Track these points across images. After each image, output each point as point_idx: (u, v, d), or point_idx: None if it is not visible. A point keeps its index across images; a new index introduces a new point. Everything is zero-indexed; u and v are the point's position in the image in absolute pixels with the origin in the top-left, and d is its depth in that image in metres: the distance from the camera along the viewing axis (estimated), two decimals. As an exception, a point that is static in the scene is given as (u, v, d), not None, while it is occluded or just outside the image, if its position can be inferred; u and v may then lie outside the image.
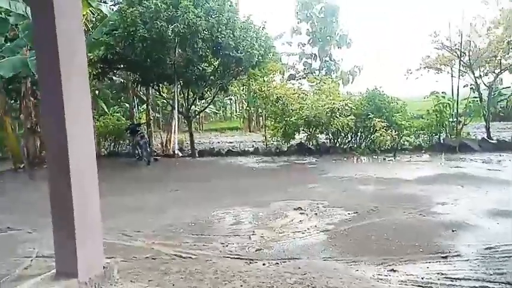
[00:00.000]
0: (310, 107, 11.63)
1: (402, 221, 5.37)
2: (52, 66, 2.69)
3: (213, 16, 10.91)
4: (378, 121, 11.30)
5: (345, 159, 10.87)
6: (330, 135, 12.14)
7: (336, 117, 11.41)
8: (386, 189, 7.28)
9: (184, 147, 13.78)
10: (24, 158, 11.42)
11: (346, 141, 12.23)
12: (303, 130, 12.27)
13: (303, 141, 12.28)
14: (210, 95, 15.32)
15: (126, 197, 7.21)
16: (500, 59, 12.16)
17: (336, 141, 12.15)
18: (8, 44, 11.77)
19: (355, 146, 11.94)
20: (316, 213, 5.77)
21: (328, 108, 11.43)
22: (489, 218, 5.28)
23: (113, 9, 13.33)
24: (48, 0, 2.63)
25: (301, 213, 5.83)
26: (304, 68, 25.22)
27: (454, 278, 3.66)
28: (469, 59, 12.00)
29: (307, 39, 25.69)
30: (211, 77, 12.52)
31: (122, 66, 12.37)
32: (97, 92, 15.17)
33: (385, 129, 11.27)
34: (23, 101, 12.47)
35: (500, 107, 17.01)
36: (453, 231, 4.87)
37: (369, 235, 4.92)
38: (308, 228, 5.11)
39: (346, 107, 11.64)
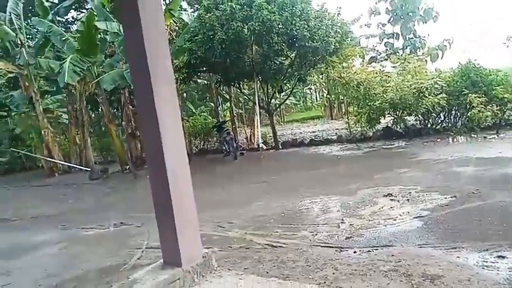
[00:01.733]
0: (395, 89, 11.01)
1: (508, 203, 4.85)
2: (143, 75, 3.01)
3: (286, 10, 10.93)
4: (475, 96, 10.24)
5: (439, 140, 10.08)
6: (420, 116, 11.35)
7: (425, 96, 10.62)
8: (489, 169, 6.62)
9: (267, 140, 14.10)
10: (128, 160, 12.80)
11: (439, 121, 11.32)
12: (389, 114, 11.66)
13: (389, 125, 11.69)
14: (289, 87, 15.41)
15: (218, 191, 7.67)
16: None
17: (426, 122, 11.33)
18: (108, 59, 13.28)
19: (450, 125, 11.00)
20: (408, 199, 5.51)
21: (415, 88, 10.70)
22: None
23: (193, 16, 14.16)
24: (136, 17, 2.94)
25: (391, 199, 5.62)
26: (386, 49, 23.80)
27: None
28: None
29: (387, 18, 24.17)
30: (289, 70, 12.59)
31: (204, 69, 13.08)
32: (184, 94, 16.27)
33: (485, 105, 10.18)
34: (123, 109, 13.99)
35: None
36: None
37: (470, 220, 4.55)
38: (400, 215, 4.91)
39: (436, 85, 10.77)
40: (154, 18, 3.06)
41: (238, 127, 15.95)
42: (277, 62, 12.14)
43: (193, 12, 15.33)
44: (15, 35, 13.67)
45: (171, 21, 12.77)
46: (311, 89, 20.99)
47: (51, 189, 11.61)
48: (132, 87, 11.69)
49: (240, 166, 11.17)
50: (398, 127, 11.41)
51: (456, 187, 5.75)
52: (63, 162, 14.37)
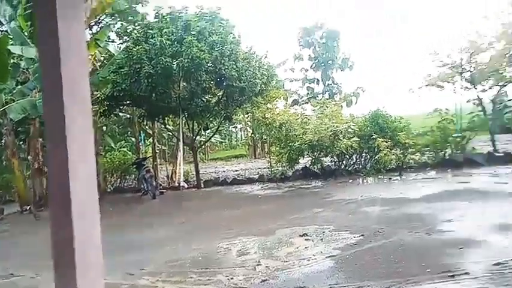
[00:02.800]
0: (314, 131, 11.70)
1: (408, 241, 5.32)
2: (56, 102, 2.82)
3: (216, 49, 11.24)
4: (382, 141, 11.32)
5: (351, 181, 10.84)
6: (335, 157, 12.15)
7: (340, 139, 11.46)
8: (392, 209, 7.23)
9: (190, 178, 13.84)
10: (30, 199, 11.51)
11: (351, 162, 12.22)
12: (307, 154, 12.30)
13: (307, 166, 12.30)
14: (214, 124, 15.53)
15: (130, 233, 7.24)
16: (502, 73, 12.19)
17: (340, 163, 12.15)
18: (19, 87, 12.23)
19: (360, 167, 11.92)
20: (321, 239, 5.75)
21: (331, 131, 11.50)
22: (497, 233, 5.21)
23: (120, 48, 13.83)
24: (55, 43, 2.80)
25: (306, 239, 5.81)
26: (308, 93, 25.42)
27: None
28: (471, 75, 12.07)
29: (310, 64, 26.09)
30: (215, 108, 12.75)
31: (128, 102, 12.68)
32: (104, 128, 15.50)
33: (390, 149, 11.27)
34: (30, 141, 12.77)
35: (506, 119, 16.91)
36: (460, 248, 4.81)
37: (376, 258, 4.88)
38: (314, 255, 5.08)
39: (349, 129, 11.70)
40: (76, 46, 2.93)
41: (160, 164, 15.48)
42: (204, 100, 12.24)
43: (122, 44, 15.01)
44: None
45: (96, 51, 12.33)
46: (236, 127, 21.44)
47: None
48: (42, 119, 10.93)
49: (158, 206, 10.71)
50: (316, 167, 12.04)
51: (364, 226, 6.16)
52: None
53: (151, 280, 4.66)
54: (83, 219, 2.87)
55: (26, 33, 11.47)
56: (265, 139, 13.85)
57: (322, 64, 25.53)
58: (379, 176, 10.72)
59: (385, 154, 11.10)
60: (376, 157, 11.50)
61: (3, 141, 13.63)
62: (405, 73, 27.24)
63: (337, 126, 11.63)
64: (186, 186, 12.45)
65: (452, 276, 4.04)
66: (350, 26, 40.74)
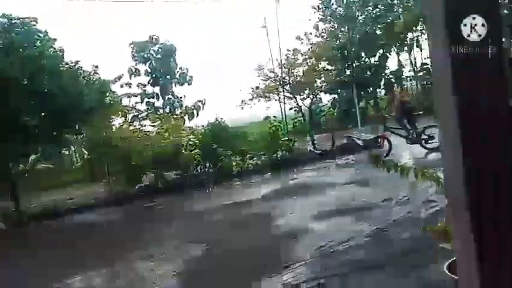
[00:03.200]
0: (154, 147, 11.41)
1: (251, 242, 5.62)
2: None
3: (32, 64, 9.80)
4: (223, 150, 11.84)
5: (197, 191, 10.94)
6: (179, 171, 12.08)
7: (182, 152, 11.47)
8: (235, 213, 7.57)
9: (7, 217, 11.45)
10: None
11: (196, 174, 12.34)
12: (150, 171, 11.91)
13: (150, 183, 11.87)
14: (39, 149, 13.48)
15: None
16: (314, 84, 14.34)
17: (186, 176, 12.14)
18: None
19: (205, 177, 12.15)
20: (167, 257, 5.56)
21: (172, 145, 11.42)
22: (320, 220, 5.99)
23: None
24: None
25: (151, 261, 5.52)
26: (148, 108, 24.80)
27: (295, 285, 3.98)
28: (290, 87, 13.76)
29: (147, 79, 25.53)
30: (36, 130, 11.10)
31: None
32: None
33: (230, 157, 11.87)
34: None
35: (322, 121, 19.98)
36: (293, 239, 5.34)
37: (222, 265, 4.99)
38: (160, 276, 4.87)
39: (191, 142, 11.84)
40: None
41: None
42: (21, 121, 10.51)
43: None
44: None
45: None
46: (69, 149, 19.20)
47: None
48: None
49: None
50: (160, 183, 11.74)
51: (210, 235, 6.26)
52: None
53: None
54: None
55: None
56: (103, 159, 12.73)
57: (160, 79, 25.32)
58: (223, 183, 11.14)
59: (226, 162, 11.63)
60: (219, 166, 11.95)
61: None
62: (238, 86, 29.40)
63: (178, 140, 11.62)
64: (3, 227, 10.31)
65: (287, 266, 4.44)
66: (185, 40, 41.58)
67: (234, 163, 11.76)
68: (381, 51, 22.13)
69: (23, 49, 9.97)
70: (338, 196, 7.21)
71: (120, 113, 17.27)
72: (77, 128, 12.76)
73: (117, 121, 14.93)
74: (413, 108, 10.82)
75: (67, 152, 19.44)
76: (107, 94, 13.69)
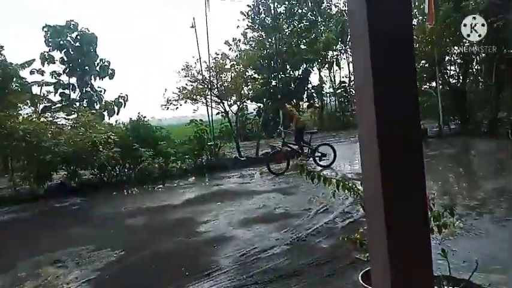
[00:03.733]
0: (68, 142, 10.51)
1: (170, 248, 5.47)
2: None
3: None
4: (144, 151, 11.35)
5: (114, 193, 10.32)
6: (96, 170, 11.29)
7: (99, 150, 10.73)
8: (155, 218, 7.32)
9: None
10: None
11: (114, 174, 11.65)
12: (62, 168, 10.94)
13: (63, 181, 10.91)
14: None
15: None
16: (241, 91, 14.46)
17: (102, 176, 11.38)
18: None
19: (125, 178, 11.53)
20: (78, 263, 5.14)
21: (88, 141, 10.63)
22: (242, 227, 6.04)
23: None
24: None
25: (59, 266, 5.07)
26: (62, 99, 22.83)
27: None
28: (218, 91, 13.68)
29: (63, 68, 23.50)
30: None
31: None
32: None
33: (152, 158, 11.43)
34: None
35: (248, 129, 20.29)
36: (214, 246, 5.30)
37: (138, 271, 4.78)
38: (68, 283, 4.48)
39: (110, 139, 11.13)
40: None
41: None
42: None
43: None
44: None
45: None
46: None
47: None
48: None
49: None
50: (73, 182, 10.85)
51: (127, 240, 5.95)
52: None
53: None
54: None
55: None
56: (6, 152, 11.35)
57: (78, 69, 23.50)
58: (144, 186, 10.67)
59: (148, 163, 11.17)
60: (140, 167, 11.42)
61: None
62: (164, 84, 28.54)
63: (95, 137, 10.85)
64: None
65: (208, 274, 4.39)
66: (108, 31, 39.41)
67: (156, 165, 11.34)
68: (304, 65, 23.31)
69: None
70: (261, 204, 7.35)
71: (28, 101, 15.70)
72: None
73: (25, 111, 13.56)
74: (305, 125, 11.29)
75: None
76: (14, 79, 12.36)
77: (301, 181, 7.99)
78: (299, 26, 23.04)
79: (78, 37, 23.71)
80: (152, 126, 12.83)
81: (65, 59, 23.43)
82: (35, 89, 20.87)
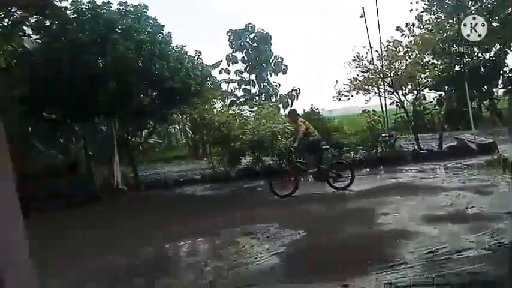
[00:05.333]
0: (252, 132, 11.81)
1: (350, 235, 5.55)
2: None
3: (145, 49, 10.76)
4: (318, 141, 11.80)
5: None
6: (275, 157, 12.36)
7: (278, 139, 11.69)
8: (332, 205, 7.51)
9: (128, 180, 13.14)
10: None
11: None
12: (248, 154, 12.37)
13: (249, 165, 12.36)
14: (152, 125, 14.93)
15: (62, 239, 6.65)
16: (418, 79, 13.30)
17: (281, 162, 12.38)
18: None
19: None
20: (267, 237, 5.77)
21: (269, 131, 11.68)
22: (427, 224, 5.62)
23: (36, 43, 12.62)
24: None
25: (252, 237, 5.80)
26: (244, 94, 25.68)
27: (401, 286, 3.82)
28: (391, 80, 12.98)
29: (244, 66, 26.35)
30: (149, 108, 12.25)
31: (50, 102, 11.60)
32: (29, 129, 14.09)
33: (326, 148, 11.75)
34: None
35: (427, 120, 18.57)
36: (397, 239, 5.11)
37: (320, 253, 5.01)
38: (260, 253, 5.08)
39: (286, 129, 11.98)
40: None
41: (94, 167, 14.46)
42: (136, 100, 11.69)
43: (39, 39, 13.73)
44: None
45: (9, 46, 11.13)
46: (175, 128, 20.88)
47: None
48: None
49: (94, 209, 9.99)
50: (257, 167, 12.16)
51: (308, 222, 6.32)
52: None
53: None
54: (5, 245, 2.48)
55: None
56: (206, 139, 13.61)
57: (256, 67, 26.00)
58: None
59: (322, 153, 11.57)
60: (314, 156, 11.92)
61: None
62: (334, 76, 28.66)
63: (274, 127, 11.83)
64: (125, 188, 11.82)
65: (392, 266, 4.27)
66: (281, 29, 41.95)
67: (329, 155, 11.61)
68: (498, 45, 19.70)
69: (137, 34, 10.92)
70: (449, 201, 6.67)
71: (219, 97, 18.11)
72: (182, 109, 13.76)
73: (218, 105, 15.83)
74: (318, 141, 9.26)
75: (173, 131, 21.30)
76: (208, 79, 14.41)
77: (500, 179, 6.91)
78: (487, 2, 19.58)
79: (255, 38, 26.09)
80: (324, 117, 13.16)
81: (245, 58, 26.17)
82: (224, 86, 24.16)
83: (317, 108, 13.36)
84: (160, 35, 11.67)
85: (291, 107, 24.45)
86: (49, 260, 4.74)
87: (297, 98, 24.89)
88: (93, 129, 14.13)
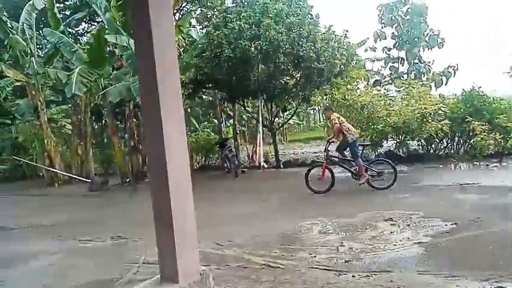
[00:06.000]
0: (398, 113, 11.07)
1: (509, 233, 4.81)
2: (151, 87, 3.05)
3: (293, 30, 11.15)
4: (478, 124, 10.29)
5: (441, 166, 10.05)
6: (423, 141, 11.37)
7: (428, 122, 10.67)
8: (490, 198, 6.59)
9: (269, 158, 14.10)
10: (129, 173, 12.78)
11: (441, 147, 11.31)
12: (392, 137, 11.69)
13: (392, 149, 11.70)
14: (293, 106, 15.49)
15: (217, 208, 7.63)
16: None
17: (429, 147, 11.33)
18: (115, 72, 13.44)
19: (452, 152, 10.98)
20: (408, 225, 5.47)
21: (418, 113, 10.76)
22: None
23: (200, 33, 14.41)
24: (149, 33, 3.01)
25: (392, 224, 5.58)
26: (391, 73, 24.02)
27: None
28: None
29: (393, 43, 24.50)
30: (294, 89, 12.72)
31: (210, 85, 13.20)
32: (189, 110, 16.36)
33: (487, 133, 10.21)
34: (126, 122, 14.05)
35: None
36: None
37: (471, 248, 4.52)
38: (400, 240, 4.87)
39: (440, 111, 10.82)
40: (166, 33, 3.12)
41: (241, 145, 15.97)
42: (282, 82, 12.30)
43: (202, 29, 15.60)
44: (25, 44, 13.89)
45: (180, 37, 12.97)
46: (315, 109, 21.09)
47: (49, 199, 11.56)
48: (136, 101, 11.92)
49: (241, 184, 11.13)
50: (401, 151, 11.41)
51: (458, 214, 5.72)
52: (63, 173, 14.30)
53: (238, 251, 4.88)
54: (178, 189, 3.07)
55: (118, 23, 12.46)
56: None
57: (407, 42, 23.79)
58: (475, 162, 9.79)
59: (481, 138, 10.10)
60: (471, 141, 10.51)
61: (103, 121, 15.17)
62: (500, 53, 24.18)
63: (425, 108, 10.83)
64: (266, 166, 12.75)
65: None
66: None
67: (491, 141, 10.07)
68: None
69: (287, 17, 11.32)
70: None
71: (363, 77, 17.45)
72: (322, 89, 13.77)
73: (361, 85, 15.28)
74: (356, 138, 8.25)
75: (312, 112, 21.58)
76: (353, 58, 13.96)
77: None
78: None
79: (409, 10, 23.84)
80: (489, 97, 11.37)
81: (395, 34, 24.26)
82: (368, 65, 23.03)
83: (480, 87, 11.59)
84: (309, 16, 11.90)
85: (445, 85, 21.91)
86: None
87: (454, 75, 22.02)
88: (241, 110, 15.48)
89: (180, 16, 15.03)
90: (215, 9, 14.61)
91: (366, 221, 5.82)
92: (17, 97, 16.09)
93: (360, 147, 8.36)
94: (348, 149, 8.24)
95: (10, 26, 14.18)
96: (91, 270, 4.76)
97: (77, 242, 6.12)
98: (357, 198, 7.60)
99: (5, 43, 14.27)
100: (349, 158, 8.30)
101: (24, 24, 14.12)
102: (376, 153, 11.66)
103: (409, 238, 4.91)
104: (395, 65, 24.54)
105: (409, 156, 11.08)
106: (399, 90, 13.28)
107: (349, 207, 6.72)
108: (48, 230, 7.22)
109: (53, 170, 14.17)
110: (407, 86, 12.91)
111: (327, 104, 14.65)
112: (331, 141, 8.33)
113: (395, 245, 4.72)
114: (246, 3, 12.07)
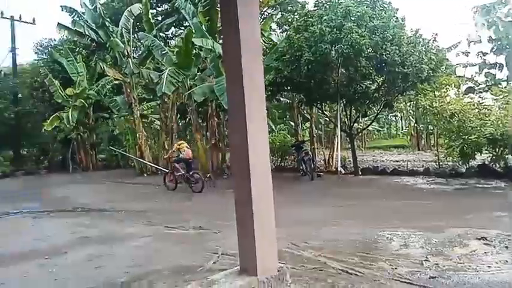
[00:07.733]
0: (496, 124, 10.03)
1: None
2: (237, 88, 3.16)
3: (377, 34, 10.72)
4: None
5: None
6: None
7: (532, 134, 9.52)
8: None
9: (346, 164, 13.72)
10: (209, 169, 13.38)
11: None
12: (487, 150, 10.62)
13: (486, 163, 10.62)
14: (374, 112, 14.89)
15: (293, 209, 7.60)
16: None
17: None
18: (200, 73, 14.22)
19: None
20: (507, 246, 4.90)
21: (519, 124, 9.66)
22: None
23: (280, 37, 14.59)
24: (237, 39, 3.12)
25: (485, 243, 5.05)
26: (487, 80, 21.87)
27: None
28: None
29: (490, 47, 22.33)
30: (375, 94, 12.24)
31: (288, 88, 13.26)
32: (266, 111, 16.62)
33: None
34: (208, 121, 14.74)
35: None
36: None
37: None
38: (496, 262, 4.38)
39: (547, 123, 9.59)
40: (252, 36, 3.21)
41: (317, 148, 15.77)
42: (363, 86, 11.91)
43: (282, 32, 15.77)
44: (123, 46, 15.32)
45: (261, 40, 13.25)
46: (397, 116, 20.01)
47: (141, 187, 12.58)
48: (218, 101, 12.42)
49: (316, 187, 10.98)
50: (497, 165, 10.31)
51: None
52: (152, 164, 15.47)
53: (314, 254, 4.81)
54: (259, 184, 3.13)
55: (204, 27, 13.16)
56: (431, 130, 12.51)
57: (507, 46, 21.54)
58: None
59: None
60: None
61: (187, 119, 16.08)
62: None
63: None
64: (343, 171, 12.43)
65: None
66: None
67: None
68: None
69: (370, 20, 10.89)
70: None
71: (453, 83, 16.18)
72: (406, 95, 13.08)
73: (450, 92, 14.16)
74: None
75: (394, 118, 20.51)
76: (443, 63, 13.06)
77: None
78: None
79: (510, 11, 21.56)
80: None
81: (493, 37, 22.11)
82: (459, 71, 21.25)
83: None
84: (394, 19, 11.39)
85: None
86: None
87: None
88: (318, 113, 15.30)
89: (262, 20, 15.37)
90: (296, 13, 14.66)
91: (454, 237, 5.33)
92: (115, 94, 17.85)
93: None
94: None
95: (111, 30, 15.76)
96: (174, 256, 5.06)
97: (163, 228, 6.60)
98: (442, 212, 7.02)
99: (107, 45, 15.89)
100: None
101: (123, 29, 15.59)
102: (466, 165, 10.67)
103: (507, 261, 4.40)
104: (492, 71, 22.30)
105: (507, 171, 9.95)
106: (496, 99, 12.05)
107: (435, 221, 6.24)
108: (139, 215, 7.89)
109: (142, 161, 15.41)
110: (506, 94, 11.66)
111: (411, 111, 13.86)
112: None
113: (489, 266, 4.26)
114: (327, 6, 11.90)
